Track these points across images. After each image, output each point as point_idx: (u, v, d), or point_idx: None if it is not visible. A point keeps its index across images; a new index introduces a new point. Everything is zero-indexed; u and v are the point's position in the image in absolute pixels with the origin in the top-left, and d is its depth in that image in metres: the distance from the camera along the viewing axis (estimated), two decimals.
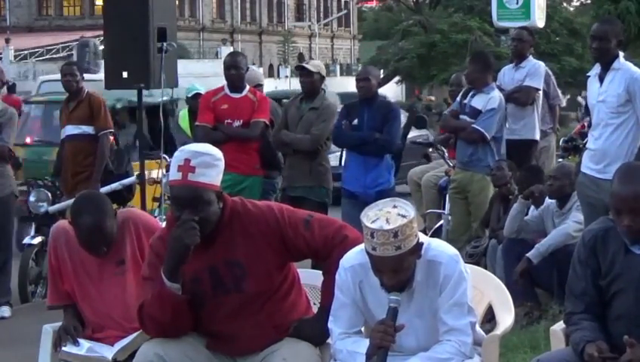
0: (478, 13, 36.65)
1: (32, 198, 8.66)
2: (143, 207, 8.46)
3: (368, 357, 3.67)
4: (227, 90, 8.15)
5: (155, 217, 7.96)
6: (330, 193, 8.14)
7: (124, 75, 8.32)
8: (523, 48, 8.97)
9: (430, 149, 14.81)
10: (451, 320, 3.74)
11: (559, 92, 10.03)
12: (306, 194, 7.94)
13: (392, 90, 40.40)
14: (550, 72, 9.51)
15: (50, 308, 4.72)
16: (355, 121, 7.78)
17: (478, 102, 8.01)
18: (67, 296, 4.60)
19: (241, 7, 66.06)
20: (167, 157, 8.75)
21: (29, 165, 10.50)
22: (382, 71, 40.61)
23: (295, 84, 28.29)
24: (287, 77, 47.62)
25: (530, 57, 9.01)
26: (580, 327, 3.80)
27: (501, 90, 8.34)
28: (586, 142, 7.18)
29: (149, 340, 4.01)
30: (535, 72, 8.84)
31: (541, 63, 9.12)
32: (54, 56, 43.81)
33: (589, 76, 6.71)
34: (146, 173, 8.79)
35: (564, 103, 17.77)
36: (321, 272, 4.09)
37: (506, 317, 4.13)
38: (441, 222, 8.74)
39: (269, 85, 17.16)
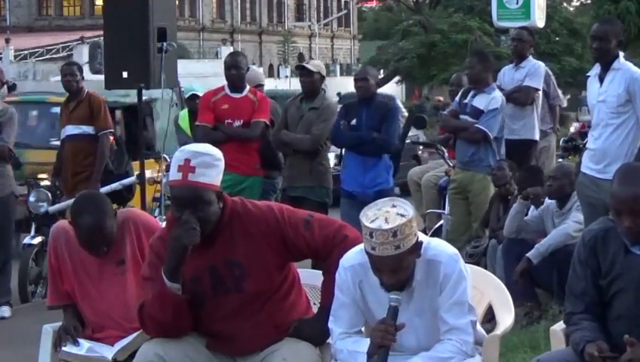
0: (478, 13, 36.68)
1: (32, 198, 8.66)
2: (143, 207, 8.47)
3: (369, 357, 3.67)
4: (227, 90, 8.14)
5: (155, 217, 7.96)
6: (331, 193, 8.15)
7: (124, 75, 8.32)
8: (523, 48, 8.97)
9: (420, 151, 14.77)
10: (452, 319, 3.74)
11: (560, 92, 10.03)
12: (306, 194, 7.94)
13: (392, 90, 40.35)
14: (550, 72, 9.50)
15: (50, 308, 4.72)
16: (354, 121, 7.78)
17: (479, 102, 8.01)
18: (67, 296, 4.60)
19: (241, 7, 66.07)
20: (167, 157, 8.76)
21: None
22: (382, 71, 40.65)
23: (295, 85, 28.28)
24: (287, 77, 47.62)
25: (530, 57, 9.01)
26: (580, 327, 3.80)
27: (501, 90, 8.34)
28: (586, 142, 7.18)
29: (149, 340, 4.01)
30: (535, 72, 8.84)
31: (541, 63, 9.12)
32: (54, 56, 43.82)
33: (588, 76, 6.71)
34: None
35: (565, 103, 17.76)
36: (321, 272, 4.09)
37: (506, 317, 4.13)
38: (441, 222, 8.74)
39: (269, 85, 17.13)
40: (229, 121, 8.03)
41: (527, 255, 6.77)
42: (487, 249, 7.55)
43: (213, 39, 58.72)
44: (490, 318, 4.30)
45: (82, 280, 4.55)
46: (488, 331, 4.09)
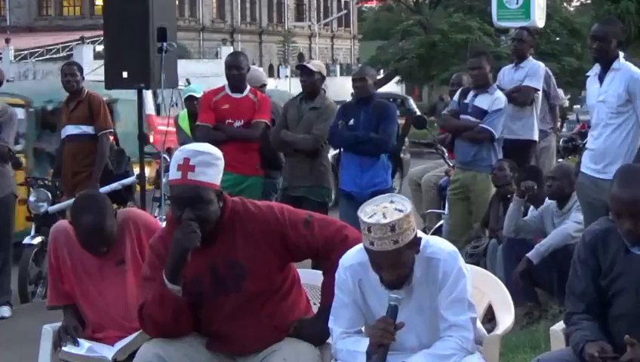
0: (478, 13, 36.74)
1: (32, 198, 8.66)
2: (143, 206, 8.47)
3: (369, 356, 3.67)
4: (228, 90, 8.14)
5: (155, 217, 7.96)
6: (331, 193, 8.15)
7: (124, 75, 8.32)
8: (523, 48, 8.97)
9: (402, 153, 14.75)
10: (452, 316, 3.74)
11: (561, 92, 10.04)
12: (306, 194, 7.93)
13: (392, 91, 40.37)
14: (550, 72, 9.51)
15: (50, 308, 4.72)
16: (352, 122, 7.78)
17: (482, 102, 8.02)
18: (67, 296, 4.60)
19: (241, 7, 66.07)
20: (167, 157, 8.75)
21: None
22: (382, 71, 40.68)
23: (295, 85, 28.29)
24: (287, 77, 47.63)
25: (530, 58, 9.01)
26: (580, 327, 3.80)
27: (501, 90, 8.34)
28: (586, 142, 7.18)
29: (149, 340, 4.01)
30: (535, 72, 8.84)
31: (541, 64, 9.13)
32: (54, 56, 43.82)
33: (588, 76, 6.71)
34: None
35: (567, 103, 17.79)
36: (321, 272, 4.09)
37: (506, 317, 4.13)
38: (441, 222, 8.74)
39: (269, 85, 17.13)
40: (230, 121, 8.03)
41: (527, 255, 6.77)
42: (487, 249, 7.56)
43: (213, 39, 58.71)
44: (490, 318, 4.30)
45: (82, 280, 4.55)
46: (488, 331, 4.09)
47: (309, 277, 4.31)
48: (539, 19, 14.91)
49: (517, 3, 14.64)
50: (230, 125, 8.01)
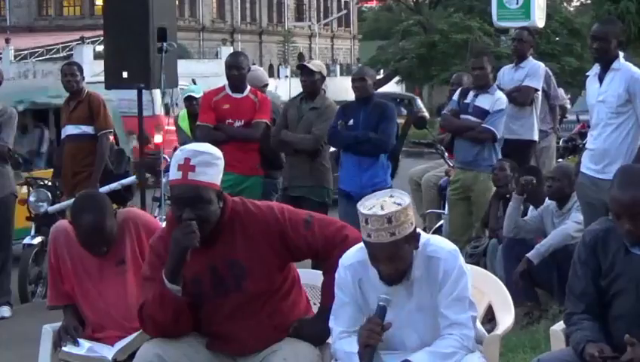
0: (478, 13, 36.72)
1: (32, 198, 8.66)
2: (143, 206, 8.47)
3: (360, 357, 3.68)
4: (228, 90, 8.13)
5: (155, 217, 7.97)
6: (331, 193, 8.14)
7: (124, 75, 8.33)
8: (524, 49, 8.98)
9: None
10: (453, 314, 3.75)
11: (562, 92, 10.04)
12: (306, 194, 7.93)
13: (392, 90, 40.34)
14: (550, 72, 9.51)
15: (50, 308, 4.72)
16: (351, 122, 7.78)
17: (483, 102, 8.03)
18: (67, 296, 4.60)
19: (241, 7, 66.04)
20: (167, 157, 8.76)
21: None
22: (382, 71, 40.68)
23: (295, 85, 28.29)
24: (287, 77, 47.60)
25: (530, 58, 9.01)
26: (580, 327, 3.80)
27: (500, 90, 8.35)
28: (586, 142, 7.18)
29: (149, 340, 4.01)
30: (535, 72, 8.85)
31: (541, 64, 9.13)
32: (54, 56, 43.77)
33: (588, 76, 6.71)
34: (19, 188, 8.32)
35: (569, 103, 17.78)
36: (321, 272, 4.09)
37: (506, 317, 4.13)
38: (441, 222, 8.74)
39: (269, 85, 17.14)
40: (230, 121, 8.02)
41: (528, 255, 6.77)
42: (487, 249, 7.55)
43: (213, 39, 58.68)
44: (490, 318, 4.30)
45: (82, 280, 4.55)
46: (488, 331, 4.10)
47: (309, 277, 4.31)
48: (539, 19, 14.92)
49: (517, 3, 14.66)
50: (230, 125, 8.01)
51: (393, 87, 42.54)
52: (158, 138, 15.47)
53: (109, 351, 4.38)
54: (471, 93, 8.18)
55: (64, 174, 8.73)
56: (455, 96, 8.42)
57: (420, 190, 9.42)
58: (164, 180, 8.73)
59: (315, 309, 4.18)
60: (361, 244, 3.77)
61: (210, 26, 62.11)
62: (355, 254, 3.85)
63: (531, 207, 7.27)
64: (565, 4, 45.85)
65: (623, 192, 3.71)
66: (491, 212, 7.70)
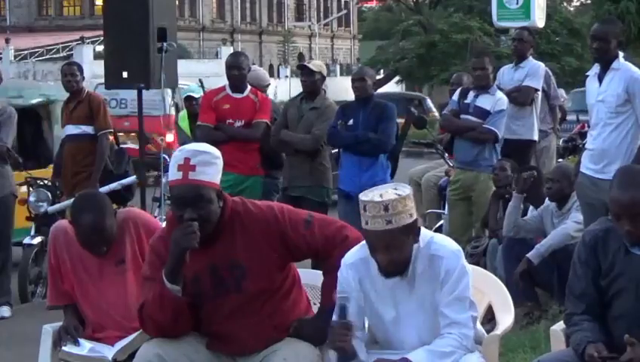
0: (478, 13, 36.72)
1: (32, 198, 8.66)
2: (143, 206, 8.47)
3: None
4: (229, 90, 8.13)
5: (155, 217, 7.96)
6: (331, 193, 8.14)
7: (124, 75, 8.33)
8: (524, 49, 8.98)
9: None
10: (453, 313, 3.76)
11: (562, 92, 10.04)
12: (306, 194, 7.94)
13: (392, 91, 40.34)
14: (550, 72, 9.51)
15: (50, 308, 4.72)
16: (351, 122, 7.78)
17: (484, 102, 8.03)
18: (67, 296, 4.60)
19: (241, 7, 66.05)
20: (167, 157, 8.75)
21: None
22: (382, 71, 40.66)
23: (295, 85, 28.29)
24: (287, 77, 47.60)
25: (530, 58, 9.02)
26: (580, 328, 3.80)
27: (500, 90, 8.35)
28: (586, 142, 7.18)
29: (149, 340, 4.00)
30: (535, 72, 8.85)
31: (541, 64, 9.14)
32: (54, 56, 43.80)
33: (587, 76, 6.71)
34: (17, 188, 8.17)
35: (570, 103, 17.77)
36: (321, 272, 4.09)
37: (506, 317, 4.13)
38: (441, 222, 8.74)
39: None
40: (230, 121, 8.02)
41: (528, 255, 6.77)
42: (487, 249, 7.55)
43: (213, 39, 58.68)
44: (490, 318, 4.31)
45: (82, 280, 4.56)
46: (488, 331, 4.10)
47: (309, 277, 4.31)
48: (539, 19, 14.93)
49: (517, 3, 14.67)
50: (231, 125, 8.01)
51: (393, 87, 42.52)
52: (169, 137, 15.51)
53: (109, 351, 4.38)
54: (471, 94, 8.18)
55: (64, 174, 8.73)
56: (455, 96, 8.42)
57: (420, 190, 9.41)
58: (164, 180, 8.73)
59: (315, 309, 4.18)
60: (364, 242, 3.78)
61: (210, 26, 62.11)
62: (357, 252, 3.86)
63: (531, 207, 7.27)
64: (565, 4, 45.86)
65: (622, 193, 3.71)
66: (491, 212, 7.69)
